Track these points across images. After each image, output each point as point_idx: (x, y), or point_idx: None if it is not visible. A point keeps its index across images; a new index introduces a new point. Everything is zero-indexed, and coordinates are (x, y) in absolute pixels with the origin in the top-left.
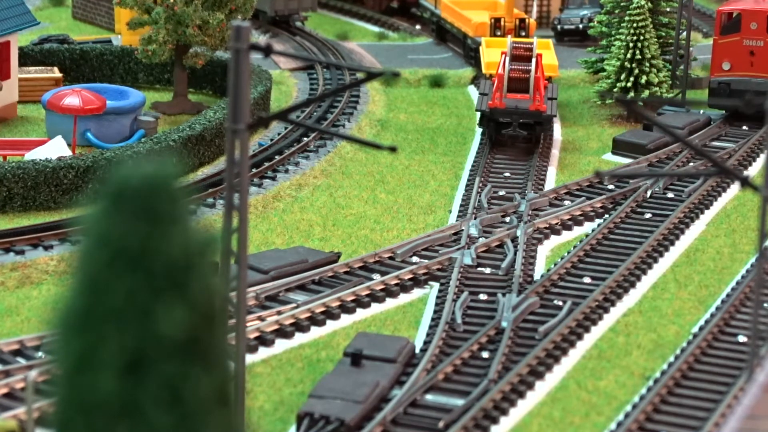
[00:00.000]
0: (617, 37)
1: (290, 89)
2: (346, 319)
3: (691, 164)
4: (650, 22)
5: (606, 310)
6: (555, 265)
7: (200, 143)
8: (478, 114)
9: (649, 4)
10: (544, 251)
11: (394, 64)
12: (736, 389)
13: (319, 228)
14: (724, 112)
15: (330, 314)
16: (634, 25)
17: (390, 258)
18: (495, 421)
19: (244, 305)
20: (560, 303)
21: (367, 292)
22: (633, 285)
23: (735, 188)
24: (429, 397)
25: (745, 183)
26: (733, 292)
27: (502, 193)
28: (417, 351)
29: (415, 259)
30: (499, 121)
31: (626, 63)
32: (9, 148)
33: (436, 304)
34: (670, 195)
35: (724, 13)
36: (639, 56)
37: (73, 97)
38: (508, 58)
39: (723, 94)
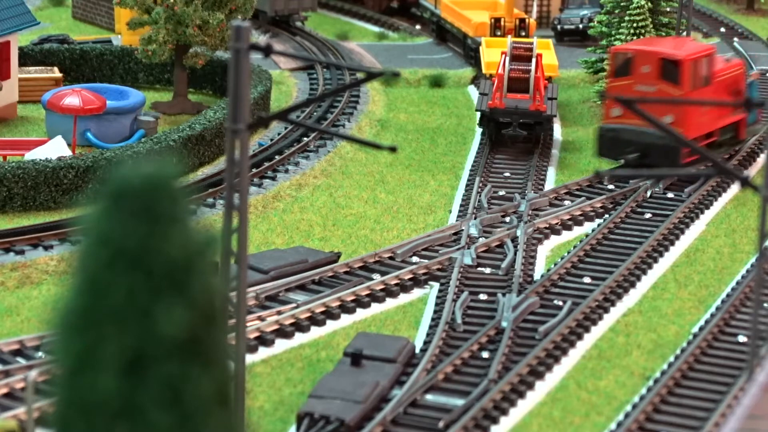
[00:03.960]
0: (617, 37)
1: (290, 89)
2: (346, 319)
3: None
4: (650, 22)
5: (606, 310)
6: (555, 265)
7: (200, 143)
8: (478, 114)
9: (649, 4)
10: (544, 251)
11: (394, 64)
12: (736, 389)
13: (319, 228)
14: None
15: (330, 314)
16: (634, 25)
17: (390, 258)
18: (495, 421)
19: (244, 305)
20: (560, 303)
21: (367, 292)
22: (633, 285)
23: (735, 188)
24: (429, 397)
25: (745, 183)
26: (733, 292)
27: (502, 193)
28: (417, 351)
29: (415, 259)
30: (499, 121)
31: None
32: (9, 148)
33: (436, 304)
34: (670, 195)
35: (617, 53)
36: None
37: (73, 97)
38: (508, 58)
39: (611, 143)
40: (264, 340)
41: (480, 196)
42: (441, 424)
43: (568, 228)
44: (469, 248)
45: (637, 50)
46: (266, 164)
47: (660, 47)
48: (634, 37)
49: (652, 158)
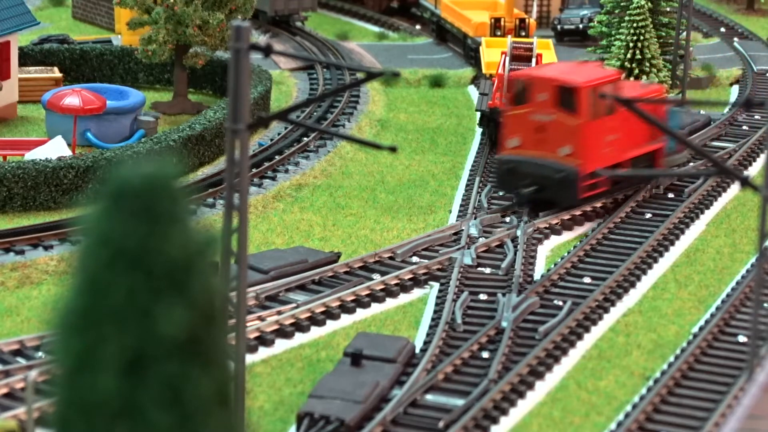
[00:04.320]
0: (617, 37)
1: (290, 89)
2: (346, 319)
3: (691, 164)
4: (650, 22)
5: (606, 310)
6: (555, 265)
7: (200, 143)
8: (478, 114)
9: (649, 4)
10: (544, 251)
11: (394, 64)
12: (736, 389)
13: (319, 228)
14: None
15: (330, 314)
16: (634, 25)
17: (390, 258)
18: (495, 421)
19: (244, 305)
20: (560, 303)
21: (367, 292)
22: (633, 285)
23: (735, 188)
24: (429, 397)
25: (745, 183)
26: (733, 292)
27: (502, 193)
28: (417, 351)
29: (415, 259)
30: (499, 121)
31: (626, 63)
32: (9, 148)
33: (436, 304)
34: (670, 195)
35: (514, 80)
36: (639, 56)
37: (73, 97)
38: (508, 58)
39: (507, 175)
40: (264, 340)
41: (480, 196)
42: (441, 424)
43: (568, 228)
44: (469, 248)
45: (534, 76)
46: (266, 164)
47: (557, 73)
48: (635, 37)
49: (548, 192)
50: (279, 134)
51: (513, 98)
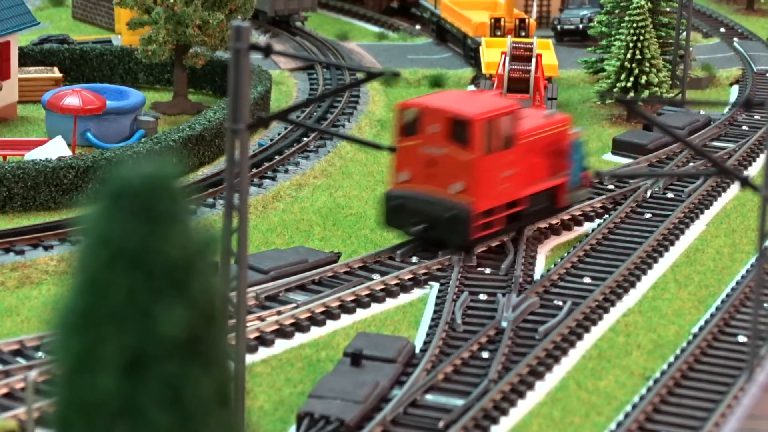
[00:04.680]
0: (617, 37)
1: (290, 89)
2: (346, 319)
3: (691, 164)
4: (650, 22)
5: (606, 310)
6: (555, 265)
7: (200, 143)
8: None
9: (649, 4)
10: (544, 251)
11: (394, 64)
12: (736, 389)
13: (319, 228)
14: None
15: (330, 314)
16: (634, 25)
17: (390, 258)
18: (495, 421)
19: (244, 305)
20: (560, 303)
21: (367, 292)
22: (633, 285)
23: (735, 188)
24: (429, 397)
25: (745, 183)
26: (733, 292)
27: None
28: (417, 351)
29: (415, 259)
30: None
31: (626, 63)
32: (9, 148)
33: (436, 304)
34: (670, 195)
35: (404, 109)
36: (639, 56)
37: (73, 97)
38: (508, 58)
39: (396, 211)
40: (264, 340)
41: None
42: (441, 424)
43: (568, 228)
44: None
45: (425, 106)
46: (266, 164)
47: (450, 104)
48: (635, 37)
49: (438, 232)
50: (279, 134)
51: (403, 129)
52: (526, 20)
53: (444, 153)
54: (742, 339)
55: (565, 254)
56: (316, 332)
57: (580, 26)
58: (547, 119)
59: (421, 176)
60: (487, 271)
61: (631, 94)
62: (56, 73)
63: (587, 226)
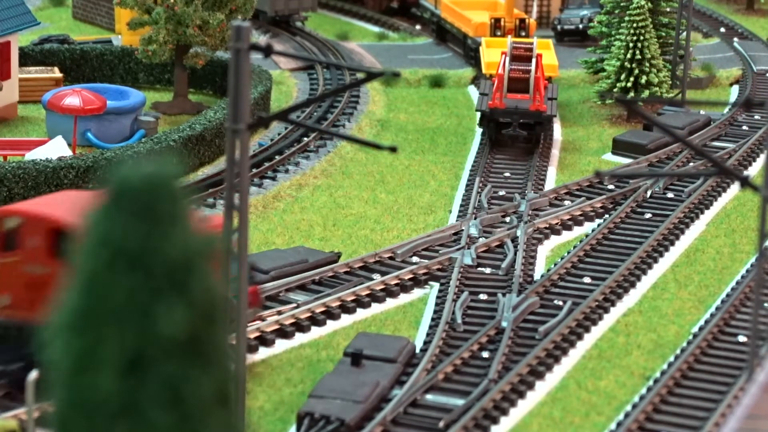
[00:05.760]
0: (617, 37)
1: (290, 89)
2: (346, 319)
3: (691, 164)
4: (650, 22)
5: (606, 310)
6: (555, 265)
7: (200, 143)
8: (478, 114)
9: (649, 4)
10: (544, 251)
11: (394, 64)
12: (736, 389)
13: (319, 228)
14: None
15: (330, 314)
16: (634, 25)
17: (390, 258)
18: (495, 421)
19: (244, 305)
20: (560, 303)
21: (367, 292)
22: (633, 285)
23: (735, 188)
24: (429, 397)
25: (745, 183)
26: (733, 292)
27: (502, 193)
28: (417, 351)
29: (415, 259)
30: (499, 121)
31: (626, 63)
32: (9, 148)
33: (436, 304)
34: (670, 195)
35: (3, 218)
36: (639, 56)
37: (73, 97)
38: (508, 58)
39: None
40: (264, 340)
41: (480, 196)
42: (441, 424)
43: (568, 228)
44: (469, 248)
45: (27, 215)
46: (266, 164)
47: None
48: (635, 37)
49: None
50: (279, 134)
51: (3, 242)
52: (526, 20)
53: (53, 273)
54: (742, 339)
55: (565, 254)
56: (316, 332)
57: (580, 26)
58: (208, 220)
59: (24, 301)
60: (487, 271)
61: (631, 94)
62: (56, 73)
63: (587, 226)
